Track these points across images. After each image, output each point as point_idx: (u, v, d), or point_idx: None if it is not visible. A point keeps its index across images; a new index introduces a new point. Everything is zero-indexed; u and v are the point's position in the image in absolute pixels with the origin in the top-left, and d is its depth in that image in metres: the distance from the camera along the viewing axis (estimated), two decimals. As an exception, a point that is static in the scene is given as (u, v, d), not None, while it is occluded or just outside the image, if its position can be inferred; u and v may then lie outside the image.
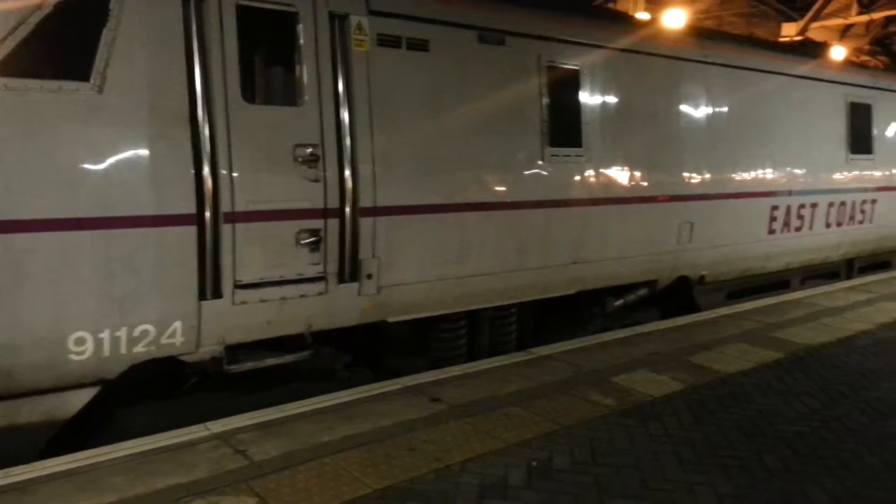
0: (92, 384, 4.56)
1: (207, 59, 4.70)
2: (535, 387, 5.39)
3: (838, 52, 11.48)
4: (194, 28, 4.65)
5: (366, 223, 5.40)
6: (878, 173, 10.69)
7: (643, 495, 3.83)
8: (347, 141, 5.26)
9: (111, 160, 4.38)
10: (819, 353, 6.49)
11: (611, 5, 15.61)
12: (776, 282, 9.66)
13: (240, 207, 4.81)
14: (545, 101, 6.50)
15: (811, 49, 11.31)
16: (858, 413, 5.09)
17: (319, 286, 5.26)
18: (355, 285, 5.45)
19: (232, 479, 3.83)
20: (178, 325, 4.72)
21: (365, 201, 5.37)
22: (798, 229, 9.41)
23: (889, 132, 10.95)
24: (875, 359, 6.38)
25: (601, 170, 6.99)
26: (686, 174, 7.86)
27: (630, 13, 12.69)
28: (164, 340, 4.69)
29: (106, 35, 4.36)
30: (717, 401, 5.23)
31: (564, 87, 6.69)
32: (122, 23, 4.39)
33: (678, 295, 8.28)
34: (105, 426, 4.93)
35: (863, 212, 10.50)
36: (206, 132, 4.66)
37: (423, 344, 6.35)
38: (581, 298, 7.21)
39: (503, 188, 6.28)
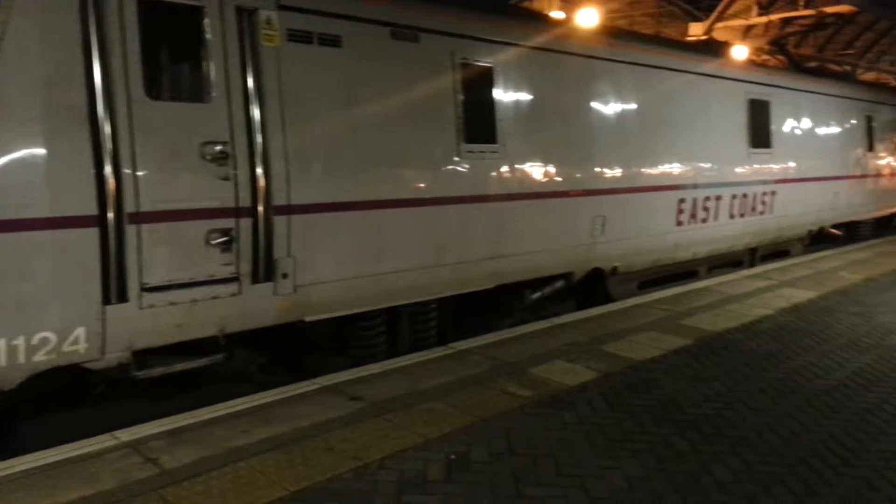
0: (-12, 395, 4.33)
1: (108, 53, 4.52)
2: (455, 381, 5.43)
3: (740, 52, 12.01)
4: (93, 21, 4.45)
5: (280, 222, 5.31)
6: (776, 166, 11.26)
7: (557, 482, 3.92)
8: (258, 138, 5.16)
9: (3, 159, 4.16)
10: (724, 339, 6.79)
11: (525, 4, 15.85)
12: (685, 271, 10.05)
13: (145, 207, 4.66)
14: (460, 97, 6.55)
15: (715, 48, 11.83)
16: (760, 394, 5.36)
17: (232, 287, 5.15)
18: (270, 285, 5.36)
19: (142, 489, 3.70)
20: (81, 331, 4.54)
21: (278, 199, 5.29)
22: (704, 221, 9.81)
23: (786, 127, 11.56)
24: (775, 342, 6.73)
25: (516, 165, 7.10)
26: (598, 169, 8.07)
27: (544, 12, 12.90)
28: (66, 348, 4.50)
29: (-6, 27, 4.14)
30: (628, 387, 5.40)
31: (479, 84, 6.76)
32: (12, 14, 4.18)
33: (593, 286, 8.50)
34: (5, 439, 4.69)
35: (763, 203, 11.04)
36: (108, 130, 4.49)
37: (343, 342, 6.31)
38: (500, 292, 7.31)
39: (420, 185, 6.30)
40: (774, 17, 15.80)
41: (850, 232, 14.29)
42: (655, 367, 5.90)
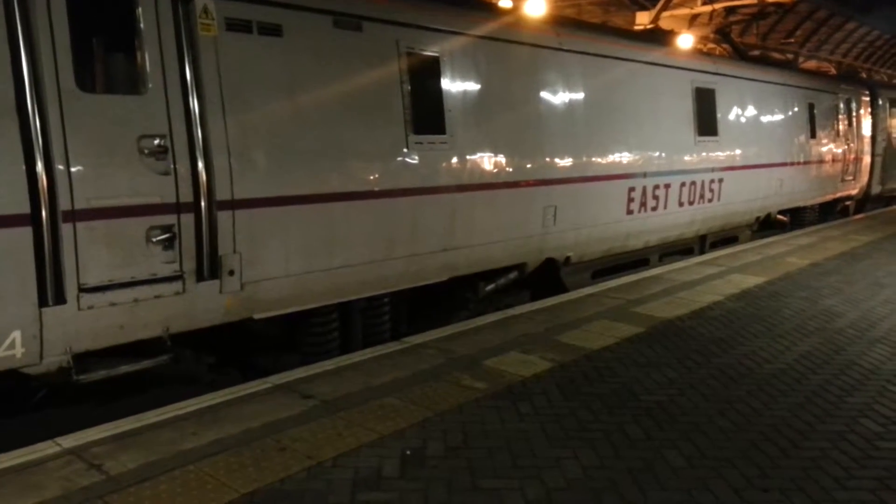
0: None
1: (35, 44, 4.30)
2: (410, 376, 5.37)
3: (686, 41, 12.17)
4: (17, 11, 4.23)
5: (224, 217, 5.16)
6: (722, 154, 11.45)
7: (513, 474, 3.90)
8: (198, 131, 4.99)
9: (-76, 157, 3.94)
10: (675, 326, 6.87)
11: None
12: (637, 259, 10.16)
13: (80, 205, 4.47)
14: (406, 87, 6.46)
15: (662, 37, 11.95)
16: (711, 379, 5.42)
17: (176, 286, 4.98)
18: (216, 283, 5.21)
19: (86, 497, 3.57)
20: (16, 335, 4.35)
21: (222, 194, 5.13)
22: (654, 209, 9.92)
23: (731, 115, 11.76)
24: (725, 328, 6.83)
25: (466, 156, 7.04)
26: (548, 159, 8.08)
27: (492, 1, 12.87)
28: (1, 353, 4.29)
29: None
30: (583, 377, 5.41)
31: (425, 74, 6.68)
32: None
33: (547, 277, 8.52)
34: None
35: (711, 190, 11.22)
36: (38, 124, 4.28)
37: (295, 339, 6.18)
38: (454, 285, 7.26)
39: (368, 177, 6.20)
40: (718, 5, 16.03)
41: (796, 218, 14.66)
42: (609, 355, 5.93)
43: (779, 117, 13.32)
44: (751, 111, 12.31)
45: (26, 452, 4.04)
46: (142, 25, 4.79)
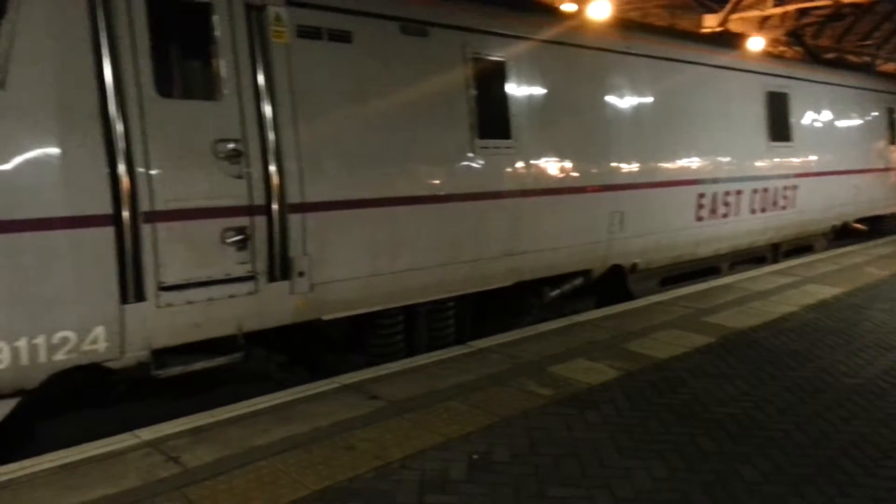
0: (10, 395, 4.31)
1: (118, 52, 4.48)
2: (475, 380, 5.36)
3: (757, 43, 11.83)
4: (102, 20, 4.42)
5: (294, 220, 5.26)
6: (796, 160, 11.08)
7: (581, 483, 3.84)
8: (271, 135, 5.11)
9: (17, 160, 4.14)
10: (748, 336, 6.66)
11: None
12: (706, 268, 9.91)
13: (159, 206, 4.62)
14: (472, 92, 6.47)
15: (731, 40, 11.65)
16: (786, 393, 5.24)
17: (249, 286, 5.10)
18: (287, 283, 5.31)
19: (164, 488, 3.68)
20: (100, 330, 4.51)
21: (292, 197, 5.23)
22: (725, 216, 9.67)
23: (805, 120, 11.37)
24: (800, 340, 6.59)
25: (531, 161, 7.00)
26: (615, 164, 7.96)
27: (556, 4, 12.79)
28: (85, 347, 4.47)
29: (5, 28, 4.12)
30: (652, 386, 5.30)
31: (491, 78, 6.67)
32: (22, 15, 4.15)
33: (613, 283, 8.39)
34: (28, 439, 4.68)
35: (785, 198, 10.87)
36: (120, 129, 4.45)
37: (361, 341, 6.25)
38: (519, 290, 7.22)
39: (434, 181, 6.22)
40: (790, 7, 15.55)
41: (875, 226, 14.06)
42: (679, 365, 5.79)
43: (856, 122, 12.83)
44: (826, 116, 11.88)
45: (108, 443, 4.20)
46: (217, 33, 4.94)
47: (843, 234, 13.04)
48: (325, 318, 5.65)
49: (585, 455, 4.17)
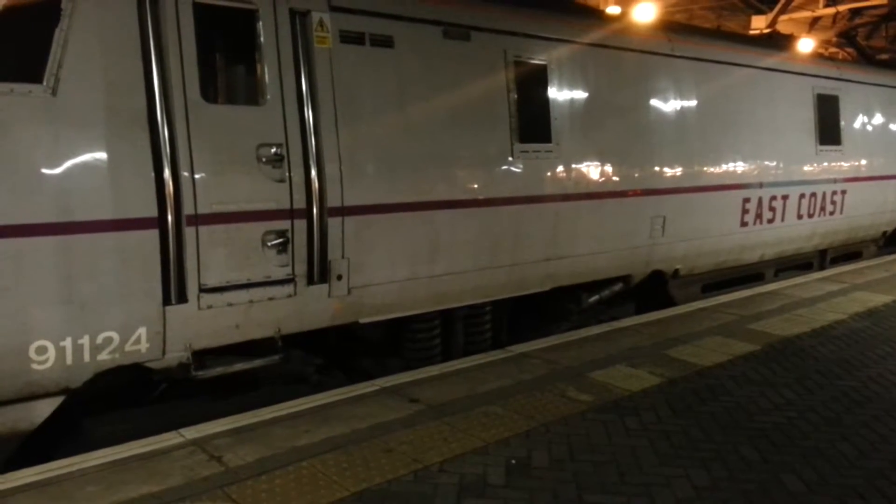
0: (56, 393, 4.42)
1: (165, 58, 4.57)
2: (513, 385, 5.33)
3: (806, 45, 11.57)
4: (150, 27, 4.52)
5: (334, 223, 5.30)
6: (846, 164, 10.78)
7: (621, 490, 3.79)
8: (312, 140, 5.16)
9: (68, 164, 4.25)
10: (794, 344, 6.50)
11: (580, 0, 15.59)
12: (751, 274, 9.70)
13: (203, 210, 4.70)
14: (513, 96, 6.44)
15: (780, 42, 11.41)
16: (833, 402, 5.09)
17: (288, 288, 5.15)
18: (325, 287, 5.35)
19: (207, 487, 3.73)
20: (142, 331, 4.60)
21: (332, 201, 5.28)
22: (770, 221, 9.45)
23: (856, 123, 11.06)
24: (849, 348, 6.41)
25: (572, 165, 6.94)
26: (657, 168, 7.85)
27: (600, 7, 12.69)
28: (128, 347, 4.57)
29: (58, 35, 4.23)
30: (694, 394, 5.20)
31: (532, 82, 6.64)
32: (74, 22, 4.26)
33: (654, 289, 8.27)
34: (73, 436, 4.79)
35: (833, 203, 10.58)
36: (166, 133, 4.55)
37: (397, 345, 6.27)
38: (557, 295, 7.16)
39: (473, 185, 6.22)
40: (843, 7, 15.17)
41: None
42: (722, 373, 5.67)
43: (910, 125, 12.43)
44: (878, 119, 11.54)
45: (153, 442, 4.27)
46: (261, 39, 5.01)
47: (893, 241, 12.63)
48: (363, 321, 5.68)
49: (625, 462, 4.11)
